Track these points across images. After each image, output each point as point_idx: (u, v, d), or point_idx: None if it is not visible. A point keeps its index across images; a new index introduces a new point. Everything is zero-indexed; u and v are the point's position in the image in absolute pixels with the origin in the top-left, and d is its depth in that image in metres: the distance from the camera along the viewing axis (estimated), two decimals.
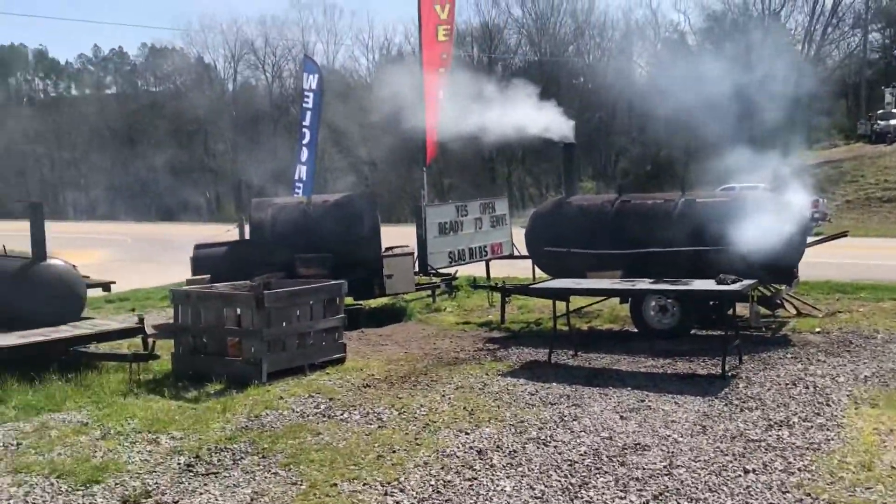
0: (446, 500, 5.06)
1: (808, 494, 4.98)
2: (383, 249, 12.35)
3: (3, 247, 10.23)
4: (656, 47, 50.78)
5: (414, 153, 14.44)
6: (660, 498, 4.99)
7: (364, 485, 5.31)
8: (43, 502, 5.21)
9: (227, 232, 13.17)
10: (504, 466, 5.60)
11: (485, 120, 11.99)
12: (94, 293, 10.74)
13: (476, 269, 14.35)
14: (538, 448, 5.95)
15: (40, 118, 70.40)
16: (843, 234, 12.21)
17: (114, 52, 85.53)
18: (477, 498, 5.08)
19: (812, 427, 6.26)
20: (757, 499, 4.95)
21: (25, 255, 9.37)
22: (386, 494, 5.16)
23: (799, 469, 5.39)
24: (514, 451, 5.88)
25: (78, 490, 5.38)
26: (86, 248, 24.95)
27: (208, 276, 11.05)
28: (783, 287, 10.21)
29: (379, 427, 6.55)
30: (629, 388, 7.51)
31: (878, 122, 42.33)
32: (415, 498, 5.10)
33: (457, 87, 13.58)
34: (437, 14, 14.65)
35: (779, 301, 10.42)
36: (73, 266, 9.53)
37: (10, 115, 72.45)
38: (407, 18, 69.91)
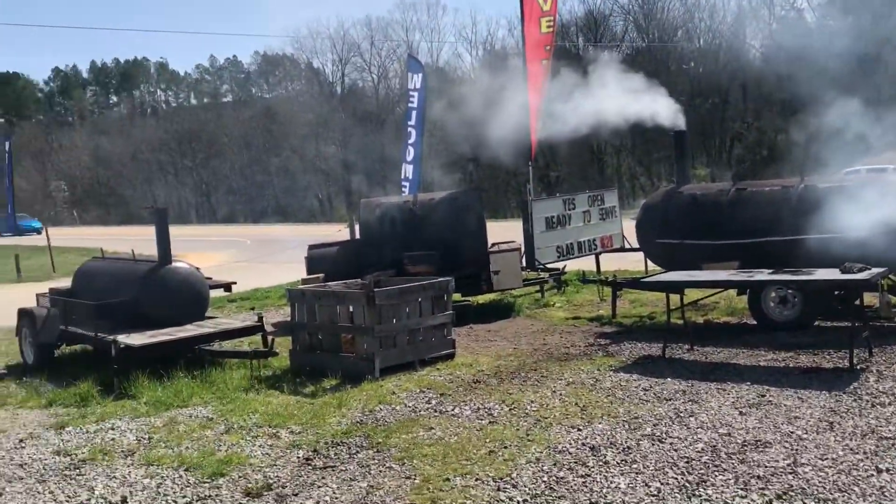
0: (559, 497, 5.01)
1: None
2: (490, 245, 12.37)
3: (132, 251, 10.87)
4: (771, 27, 48.60)
5: (519, 147, 14.33)
6: (784, 497, 4.78)
7: (476, 480, 5.33)
8: (173, 494, 5.49)
9: (338, 232, 13.53)
10: (618, 463, 5.50)
11: (590, 110, 11.81)
12: (216, 293, 11.22)
13: (585, 263, 14.16)
14: (653, 445, 5.81)
15: (163, 128, 74.42)
16: None
17: (228, 61, 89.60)
18: (591, 494, 5.01)
19: None
20: (892, 500, 4.66)
21: (152, 258, 9.89)
22: (499, 490, 5.16)
23: None
24: (629, 448, 5.77)
25: (205, 482, 5.63)
26: (208, 250, 26.19)
27: (322, 275, 11.38)
28: None
29: (490, 422, 6.56)
30: (748, 383, 7.23)
31: None
32: (528, 494, 5.07)
33: (561, 78, 13.42)
34: (540, 6, 14.50)
35: None
36: (197, 268, 9.99)
37: (136, 126, 77.03)
38: (510, 12, 69.65)
